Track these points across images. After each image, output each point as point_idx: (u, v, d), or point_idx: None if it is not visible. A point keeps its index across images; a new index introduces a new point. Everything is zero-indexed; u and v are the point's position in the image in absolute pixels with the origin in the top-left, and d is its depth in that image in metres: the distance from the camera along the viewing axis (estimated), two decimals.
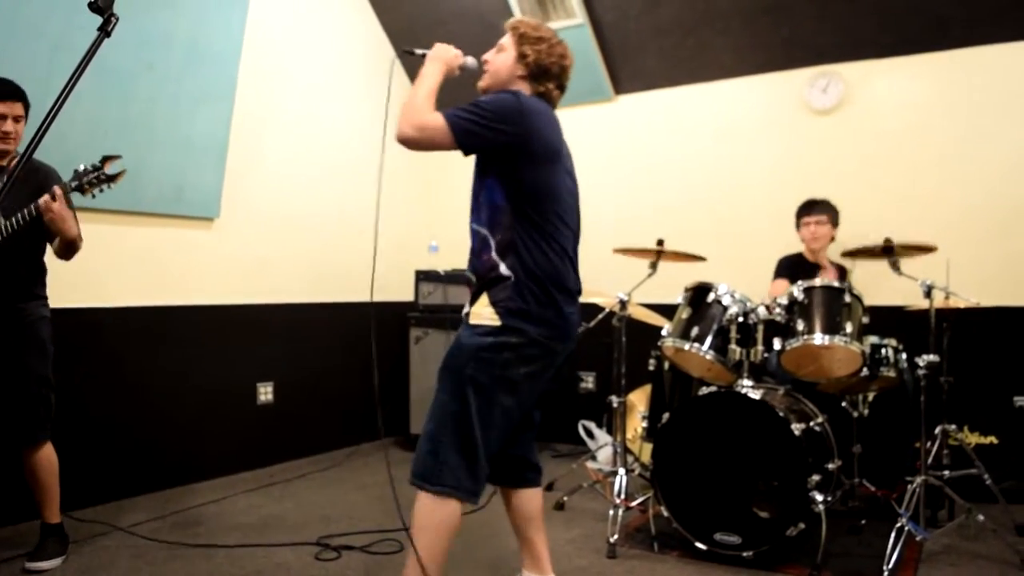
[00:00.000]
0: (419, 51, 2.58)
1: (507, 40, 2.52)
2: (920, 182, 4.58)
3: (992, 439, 4.02)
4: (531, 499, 2.64)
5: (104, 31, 1.86)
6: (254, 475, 4.60)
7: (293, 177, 4.95)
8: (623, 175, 5.44)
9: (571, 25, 5.15)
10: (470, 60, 2.57)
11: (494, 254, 2.35)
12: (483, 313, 2.33)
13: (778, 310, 3.43)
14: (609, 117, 5.49)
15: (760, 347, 3.46)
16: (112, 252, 3.98)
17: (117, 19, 1.88)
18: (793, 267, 4.29)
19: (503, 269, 2.33)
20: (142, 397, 4.12)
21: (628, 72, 5.36)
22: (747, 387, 3.35)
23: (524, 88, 2.48)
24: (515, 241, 2.33)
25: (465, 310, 2.44)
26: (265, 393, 4.81)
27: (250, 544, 3.40)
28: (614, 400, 3.85)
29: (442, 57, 2.50)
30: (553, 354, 2.41)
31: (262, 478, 4.55)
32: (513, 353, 2.30)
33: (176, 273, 4.33)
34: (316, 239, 5.04)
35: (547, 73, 2.49)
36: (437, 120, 2.28)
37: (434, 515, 2.30)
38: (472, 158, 2.45)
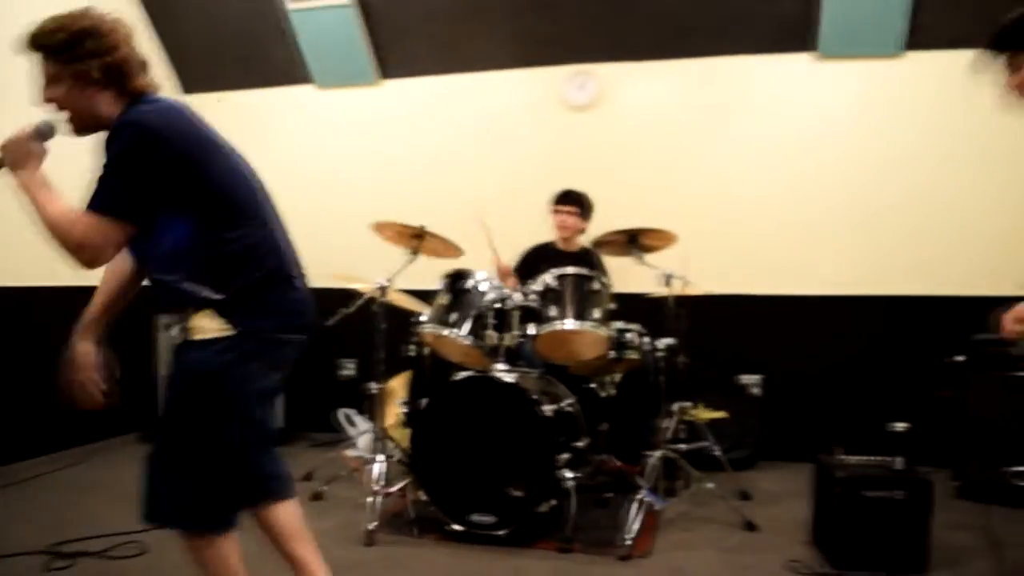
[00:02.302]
0: None
1: (47, 66, 1.96)
2: (664, 178, 4.95)
3: (722, 414, 4.41)
4: (290, 513, 2.23)
5: None
6: None
7: None
8: (386, 161, 5.42)
9: (338, 4, 5.04)
10: (43, 125, 1.98)
11: (200, 291, 1.97)
12: (210, 326, 1.97)
13: (532, 296, 3.55)
14: (374, 102, 5.44)
15: (515, 332, 3.57)
16: None
17: None
18: (535, 258, 4.47)
19: (215, 295, 1.97)
20: None
21: (395, 57, 5.33)
22: (502, 371, 3.45)
23: (111, 104, 1.98)
24: (214, 263, 1.97)
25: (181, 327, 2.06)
26: None
27: None
28: (373, 387, 3.82)
29: (19, 155, 1.94)
30: (298, 349, 2.16)
31: None
32: (258, 361, 2.02)
33: None
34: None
35: (121, 69, 1.96)
36: (88, 223, 1.86)
37: (211, 555, 2.08)
38: None
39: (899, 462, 3.08)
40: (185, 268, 1.98)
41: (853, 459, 3.19)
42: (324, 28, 5.19)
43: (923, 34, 4.53)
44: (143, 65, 2.03)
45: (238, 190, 2.04)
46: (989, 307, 2.48)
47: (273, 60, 5.43)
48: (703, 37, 4.84)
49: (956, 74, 4.64)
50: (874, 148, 4.71)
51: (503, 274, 4.25)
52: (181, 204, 1.95)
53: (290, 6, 5.12)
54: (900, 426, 3.14)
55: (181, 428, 2.02)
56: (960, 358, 4.01)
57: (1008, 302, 2.44)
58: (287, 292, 2.10)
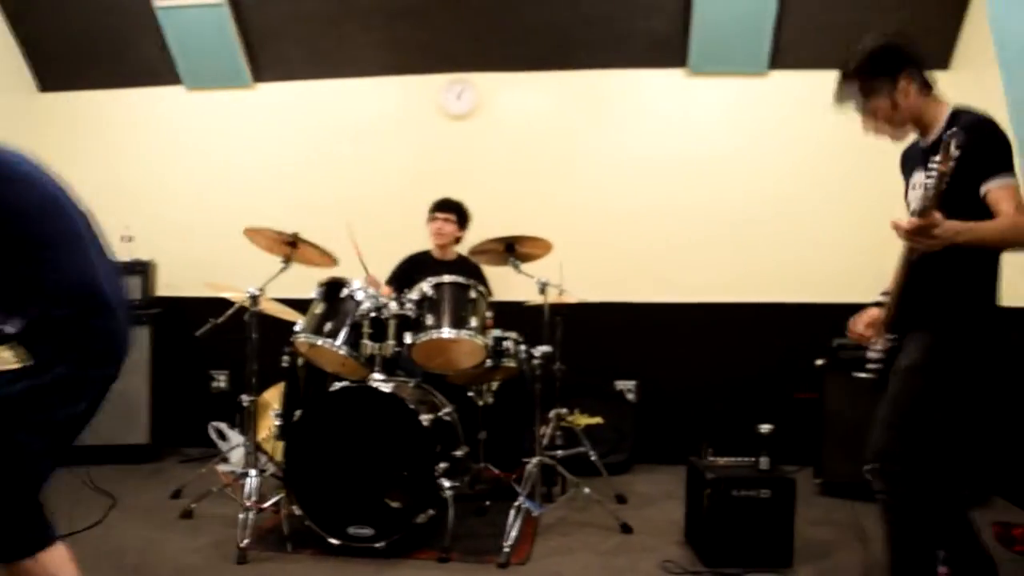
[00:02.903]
0: None
1: None
2: (541, 187, 5.02)
3: (598, 419, 4.49)
4: None
5: None
6: None
7: None
8: (259, 166, 5.26)
9: (209, 3, 4.88)
10: None
11: None
12: (7, 358, 1.87)
13: (409, 305, 3.52)
14: (247, 105, 5.27)
15: (392, 341, 3.52)
16: None
17: None
18: (411, 266, 4.47)
19: (9, 326, 1.88)
20: None
21: (269, 60, 5.19)
22: (379, 381, 3.40)
23: None
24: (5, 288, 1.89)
25: None
26: None
27: None
28: (245, 399, 3.69)
29: None
30: (105, 380, 2.05)
31: None
32: (57, 395, 1.92)
33: None
34: None
35: None
36: None
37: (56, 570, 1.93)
38: None
39: (764, 462, 3.21)
40: None
41: (722, 460, 3.31)
42: (194, 27, 5.00)
43: (786, 54, 4.77)
44: None
45: (36, 222, 1.93)
46: (848, 313, 2.62)
47: (140, 59, 5.19)
48: (580, 50, 4.94)
49: (816, 92, 4.91)
50: (742, 161, 4.92)
51: (374, 286, 4.20)
52: None
53: (158, 3, 4.91)
54: (765, 428, 3.27)
55: None
56: (820, 362, 4.22)
57: (864, 308, 2.59)
58: (99, 325, 1.99)
